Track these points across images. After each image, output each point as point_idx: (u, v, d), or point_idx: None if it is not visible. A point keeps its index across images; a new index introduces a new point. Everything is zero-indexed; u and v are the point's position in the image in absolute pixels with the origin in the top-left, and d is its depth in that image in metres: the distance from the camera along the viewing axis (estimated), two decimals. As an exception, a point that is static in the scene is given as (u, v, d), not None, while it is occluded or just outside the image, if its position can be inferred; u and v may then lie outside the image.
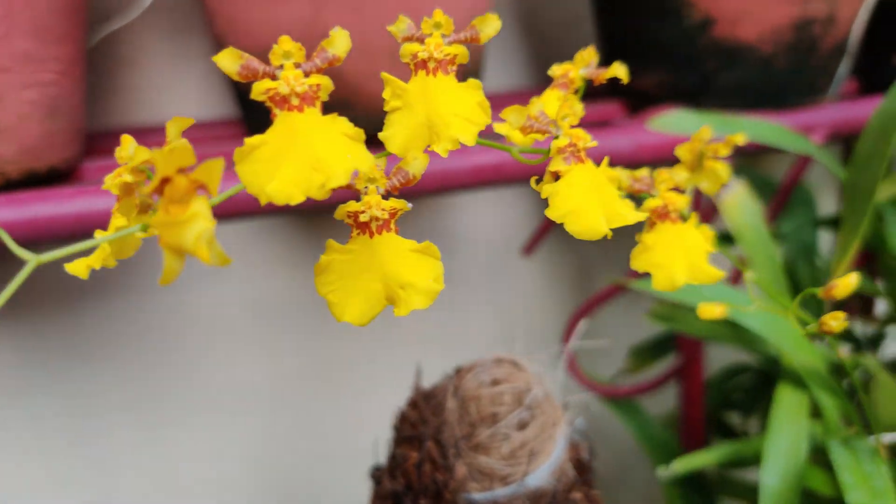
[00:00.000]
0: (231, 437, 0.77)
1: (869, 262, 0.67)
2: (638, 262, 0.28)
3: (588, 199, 0.26)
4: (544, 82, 0.83)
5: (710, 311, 0.28)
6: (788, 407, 0.43)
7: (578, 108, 0.28)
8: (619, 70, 0.33)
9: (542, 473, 0.31)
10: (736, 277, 0.60)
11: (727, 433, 0.70)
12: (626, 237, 0.86)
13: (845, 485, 0.37)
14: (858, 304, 0.71)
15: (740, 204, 0.45)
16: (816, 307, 0.68)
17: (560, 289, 0.83)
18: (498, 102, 0.71)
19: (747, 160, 0.81)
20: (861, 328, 0.68)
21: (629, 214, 0.26)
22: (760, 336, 0.43)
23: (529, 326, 0.84)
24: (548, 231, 0.65)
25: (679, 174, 0.29)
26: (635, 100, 0.62)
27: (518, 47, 0.81)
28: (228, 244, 0.73)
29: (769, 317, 0.43)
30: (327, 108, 0.57)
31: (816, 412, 0.53)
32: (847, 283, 0.24)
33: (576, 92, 0.32)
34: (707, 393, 0.70)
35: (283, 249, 0.77)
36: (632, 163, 0.54)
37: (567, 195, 0.26)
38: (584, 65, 0.32)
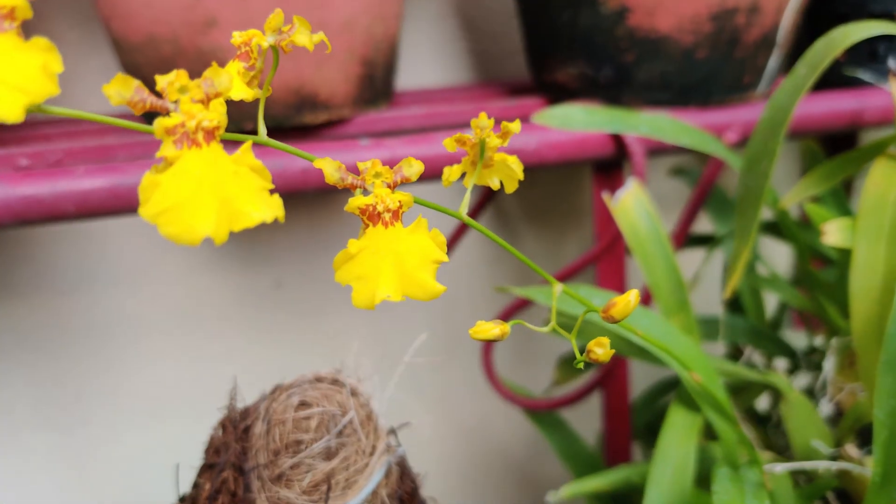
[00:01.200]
0: (153, 441, 0.74)
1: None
2: (340, 273, 0.24)
3: (198, 194, 0.21)
4: (485, 77, 0.79)
5: (485, 331, 0.24)
6: (679, 430, 0.39)
7: (223, 81, 0.22)
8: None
9: (349, 510, 0.27)
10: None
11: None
12: (557, 234, 0.82)
13: (719, 524, 0.33)
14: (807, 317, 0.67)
15: (635, 206, 0.41)
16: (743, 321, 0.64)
17: (482, 292, 0.80)
18: (429, 98, 0.67)
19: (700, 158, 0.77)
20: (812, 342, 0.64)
21: (256, 213, 0.22)
22: (651, 352, 0.39)
23: (449, 332, 0.81)
24: (465, 230, 0.62)
25: (409, 168, 0.25)
26: (556, 94, 0.59)
27: (455, 41, 0.77)
28: (159, 245, 0.69)
29: (663, 331, 0.39)
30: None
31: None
32: (626, 302, 0.20)
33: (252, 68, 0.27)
34: (639, 407, 0.66)
35: (209, 252, 0.73)
36: (536, 162, 0.51)
37: (170, 188, 0.21)
38: (272, 32, 0.27)
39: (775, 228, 0.60)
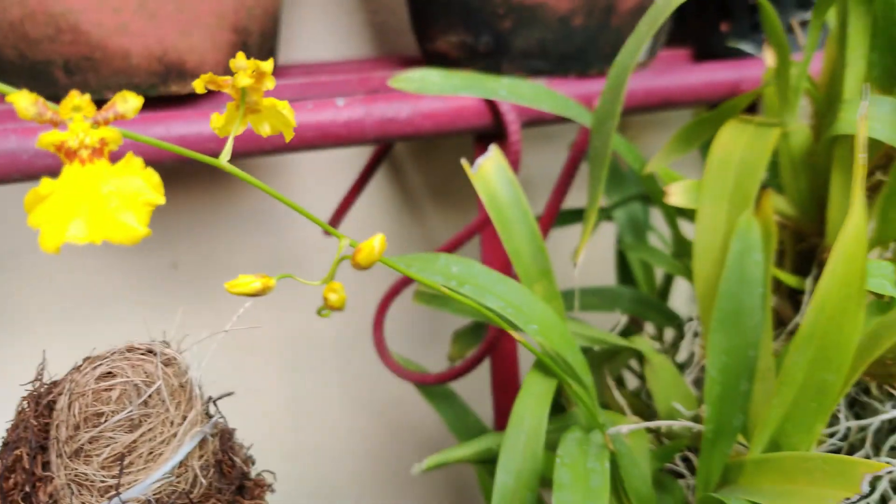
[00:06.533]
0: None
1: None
2: (33, 216, 0.22)
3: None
4: (385, 51, 0.77)
5: (243, 285, 0.23)
6: (533, 396, 0.39)
7: (128, 107, 0.23)
8: None
9: (149, 483, 0.26)
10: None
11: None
12: (459, 206, 0.81)
13: (559, 484, 0.33)
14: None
15: (495, 173, 0.41)
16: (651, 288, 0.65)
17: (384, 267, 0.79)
18: (318, 70, 0.66)
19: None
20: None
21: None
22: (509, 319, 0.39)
23: (356, 309, 0.80)
24: (353, 200, 0.60)
25: (124, 104, 0.23)
26: (440, 64, 0.58)
27: (353, 13, 0.75)
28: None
29: (517, 296, 0.39)
30: (68, 73, 0.50)
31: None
32: (371, 247, 0.19)
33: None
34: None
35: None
36: (411, 131, 0.50)
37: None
38: None
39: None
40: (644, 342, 0.46)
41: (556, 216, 0.51)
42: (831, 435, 0.41)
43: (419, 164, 0.79)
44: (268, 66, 0.25)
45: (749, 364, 0.32)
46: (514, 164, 0.51)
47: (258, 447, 0.85)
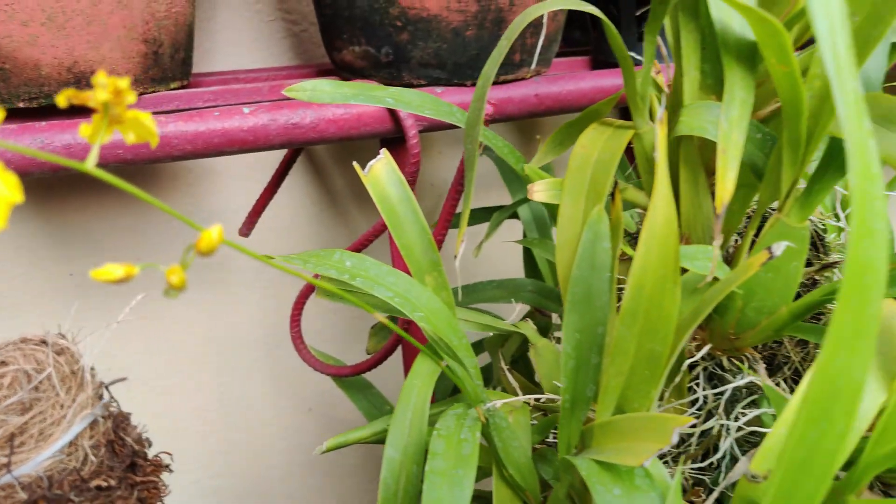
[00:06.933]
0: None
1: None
2: None
3: None
4: (307, 60, 0.80)
5: (106, 273, 0.25)
6: (420, 377, 0.43)
7: None
8: None
9: (40, 460, 0.29)
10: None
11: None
12: (378, 212, 0.83)
13: (433, 453, 0.36)
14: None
15: (385, 174, 0.44)
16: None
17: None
18: (235, 79, 0.68)
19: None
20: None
21: None
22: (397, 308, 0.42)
23: (283, 306, 0.83)
24: (267, 203, 0.63)
25: None
26: (347, 74, 0.61)
27: (274, 23, 0.78)
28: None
29: (405, 286, 0.43)
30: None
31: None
32: (209, 237, 0.22)
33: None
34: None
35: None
36: (316, 136, 0.53)
37: None
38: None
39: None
40: (529, 327, 0.50)
41: (452, 214, 0.55)
42: (693, 404, 0.45)
43: (341, 166, 0.82)
44: (124, 83, 0.28)
45: (598, 340, 0.36)
46: (415, 165, 0.55)
47: (190, 444, 0.86)
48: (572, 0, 0.38)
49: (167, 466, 0.37)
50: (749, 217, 0.48)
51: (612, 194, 0.40)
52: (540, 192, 0.41)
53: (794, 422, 0.22)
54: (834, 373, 0.22)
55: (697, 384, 0.46)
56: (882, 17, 0.30)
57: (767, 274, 0.38)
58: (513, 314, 0.57)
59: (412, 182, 0.55)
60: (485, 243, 0.67)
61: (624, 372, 0.34)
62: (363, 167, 0.44)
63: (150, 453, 0.42)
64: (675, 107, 0.41)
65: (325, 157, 0.82)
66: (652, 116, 0.45)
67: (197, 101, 0.58)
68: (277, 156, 0.75)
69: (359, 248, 0.57)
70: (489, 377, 0.65)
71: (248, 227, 0.61)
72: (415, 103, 0.45)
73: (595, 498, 0.31)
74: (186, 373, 0.82)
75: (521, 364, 0.56)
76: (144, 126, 0.27)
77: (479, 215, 0.69)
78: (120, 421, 0.34)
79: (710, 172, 0.44)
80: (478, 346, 0.61)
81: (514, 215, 0.70)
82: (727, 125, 0.31)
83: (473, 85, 0.58)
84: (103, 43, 0.52)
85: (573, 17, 0.81)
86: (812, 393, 0.22)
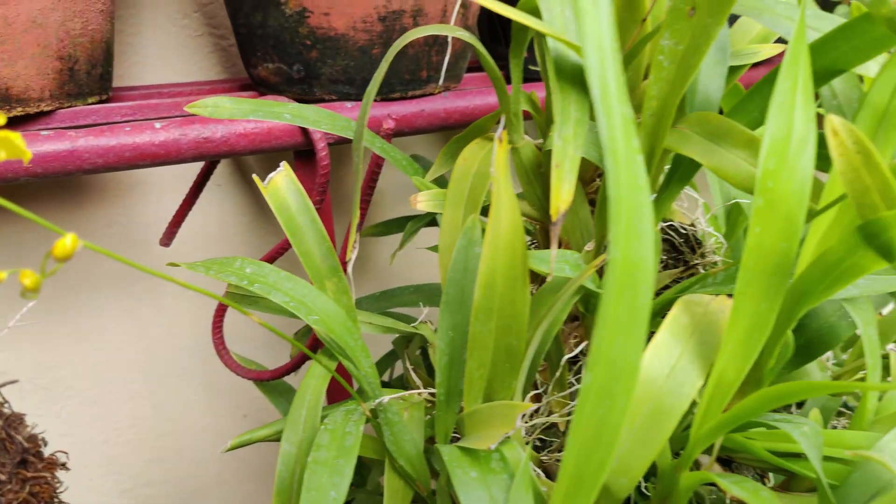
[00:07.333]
0: None
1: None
2: None
3: None
4: (230, 74, 0.82)
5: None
6: (315, 377, 0.45)
7: None
8: None
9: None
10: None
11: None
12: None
13: (317, 445, 0.39)
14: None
15: (285, 185, 0.47)
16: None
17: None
18: (157, 94, 0.70)
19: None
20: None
21: None
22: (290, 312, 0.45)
23: (178, 318, 0.84)
24: (185, 214, 0.65)
25: None
26: (264, 89, 0.64)
27: (200, 37, 0.80)
28: None
29: (302, 291, 0.45)
30: None
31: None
32: (63, 244, 0.25)
33: None
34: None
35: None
36: (226, 150, 0.55)
37: None
38: None
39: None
40: (427, 328, 0.53)
41: (361, 223, 0.58)
42: (574, 396, 0.49)
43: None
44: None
45: (468, 337, 0.39)
46: (324, 176, 0.58)
47: (123, 453, 0.87)
48: (443, 27, 0.41)
49: (63, 465, 0.38)
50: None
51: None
52: (423, 202, 0.44)
53: (584, 400, 0.25)
54: (614, 356, 0.25)
55: (579, 378, 0.49)
56: (699, 46, 0.34)
57: (626, 275, 0.42)
58: (422, 316, 0.60)
59: (323, 192, 0.58)
60: (410, 249, 0.70)
61: (486, 364, 0.37)
62: (270, 179, 0.46)
63: (68, 458, 0.44)
64: (548, 123, 0.45)
65: (256, 167, 0.84)
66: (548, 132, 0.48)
67: (114, 116, 0.60)
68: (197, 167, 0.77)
69: (273, 256, 0.60)
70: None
71: (167, 238, 0.63)
72: (311, 118, 0.48)
73: (453, 480, 0.34)
74: (118, 382, 0.83)
75: (428, 363, 0.59)
76: (14, 144, 0.29)
77: (401, 224, 0.72)
78: (12, 421, 0.36)
79: (585, 182, 0.48)
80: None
81: (435, 223, 0.73)
82: (561, 142, 0.34)
83: (383, 100, 0.61)
84: (17, 60, 0.54)
85: (497, 33, 0.85)
86: (596, 375, 0.25)
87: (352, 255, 0.45)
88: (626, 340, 0.25)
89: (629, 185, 0.24)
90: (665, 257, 0.53)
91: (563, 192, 0.34)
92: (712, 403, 0.34)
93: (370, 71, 0.59)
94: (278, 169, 0.48)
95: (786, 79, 0.30)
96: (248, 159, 0.83)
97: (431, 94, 0.63)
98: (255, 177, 0.47)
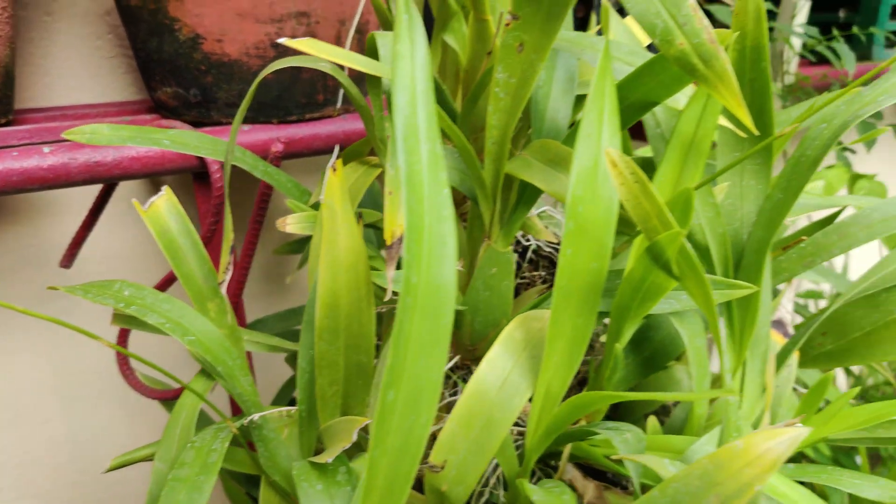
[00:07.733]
0: None
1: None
2: None
3: None
4: (145, 95, 0.83)
5: None
6: (190, 396, 0.46)
7: None
8: None
9: None
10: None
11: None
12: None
13: (180, 462, 0.40)
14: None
15: (166, 209, 0.48)
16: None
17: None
18: (63, 116, 0.71)
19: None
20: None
21: None
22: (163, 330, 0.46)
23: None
24: (85, 236, 0.66)
25: None
26: (164, 112, 0.65)
27: (112, 59, 0.80)
28: None
29: (179, 313, 0.46)
30: None
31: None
32: None
33: None
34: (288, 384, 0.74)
35: None
36: (119, 172, 0.56)
37: None
38: None
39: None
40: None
41: (254, 243, 0.59)
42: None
43: (187, 196, 0.85)
44: None
45: (315, 357, 0.41)
46: (219, 198, 0.59)
47: (39, 476, 0.87)
48: (305, 58, 0.43)
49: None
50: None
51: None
52: (292, 224, 0.46)
53: (388, 415, 0.27)
54: (418, 373, 0.27)
55: (456, 392, 0.51)
56: (528, 79, 0.36)
57: (485, 292, 0.44)
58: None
59: (218, 214, 0.59)
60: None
61: (339, 381, 0.39)
62: (151, 203, 0.48)
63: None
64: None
65: (176, 188, 0.84)
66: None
67: (11, 140, 0.60)
68: (122, 187, 0.78)
69: (170, 279, 0.61)
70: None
71: (67, 260, 0.64)
72: (192, 144, 0.49)
73: (298, 493, 0.36)
74: (33, 405, 0.83)
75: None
76: None
77: (295, 246, 0.73)
78: None
79: (458, 203, 0.50)
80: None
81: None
82: (393, 171, 0.36)
83: (279, 122, 0.62)
84: None
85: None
86: (400, 391, 0.27)
87: (225, 277, 0.46)
88: (429, 359, 0.26)
89: (433, 215, 0.26)
90: (545, 273, 0.56)
91: (397, 216, 0.35)
92: (543, 413, 0.36)
93: (265, 95, 0.61)
94: (160, 192, 0.49)
95: (592, 111, 0.33)
96: (166, 179, 0.84)
97: (330, 117, 0.65)
98: (134, 201, 0.48)
